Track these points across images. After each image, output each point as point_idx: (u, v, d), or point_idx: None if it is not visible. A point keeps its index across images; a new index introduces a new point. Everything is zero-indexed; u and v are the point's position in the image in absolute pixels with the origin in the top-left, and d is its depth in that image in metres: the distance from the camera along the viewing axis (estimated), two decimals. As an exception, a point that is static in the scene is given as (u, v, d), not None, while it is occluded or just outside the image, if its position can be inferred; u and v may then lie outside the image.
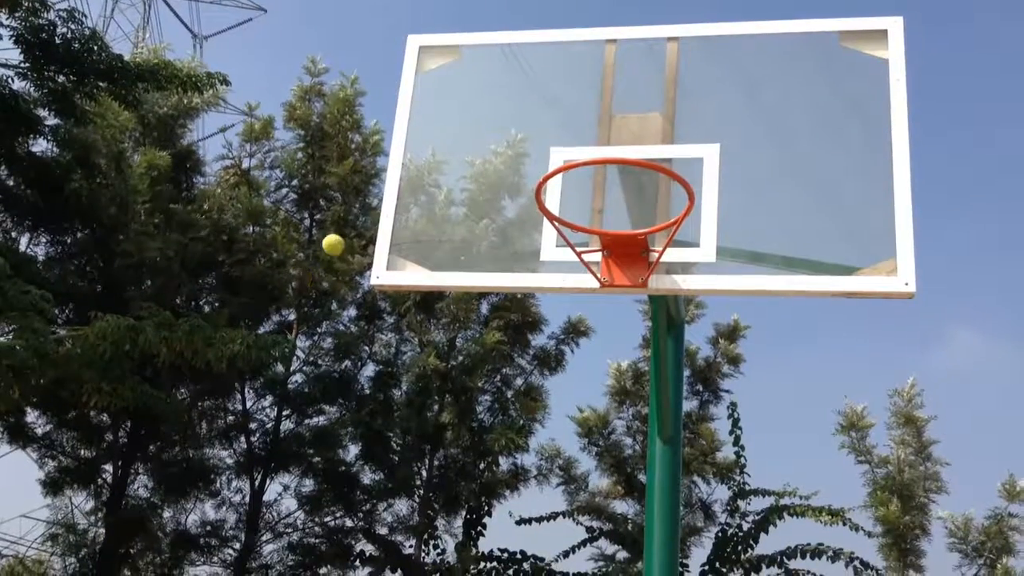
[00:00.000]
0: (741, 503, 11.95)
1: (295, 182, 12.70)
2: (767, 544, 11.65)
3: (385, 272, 4.31)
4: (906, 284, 3.80)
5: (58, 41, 9.92)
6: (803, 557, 11.29)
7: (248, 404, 12.23)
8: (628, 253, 4.00)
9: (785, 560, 11.39)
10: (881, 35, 4.28)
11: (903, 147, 4.03)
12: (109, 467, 11.69)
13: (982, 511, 12.01)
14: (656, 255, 3.93)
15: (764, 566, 11.47)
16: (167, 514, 11.96)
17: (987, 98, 52.02)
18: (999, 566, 11.60)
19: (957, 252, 50.22)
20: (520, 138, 4.47)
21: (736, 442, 12.23)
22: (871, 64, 4.25)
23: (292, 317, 12.27)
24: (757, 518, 11.75)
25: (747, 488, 12.02)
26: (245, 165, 12.62)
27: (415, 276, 4.31)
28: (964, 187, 50.79)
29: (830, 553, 11.25)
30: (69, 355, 8.01)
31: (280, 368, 11.91)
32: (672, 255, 3.97)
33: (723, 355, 12.49)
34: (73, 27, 9.98)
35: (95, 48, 10.05)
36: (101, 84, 10.27)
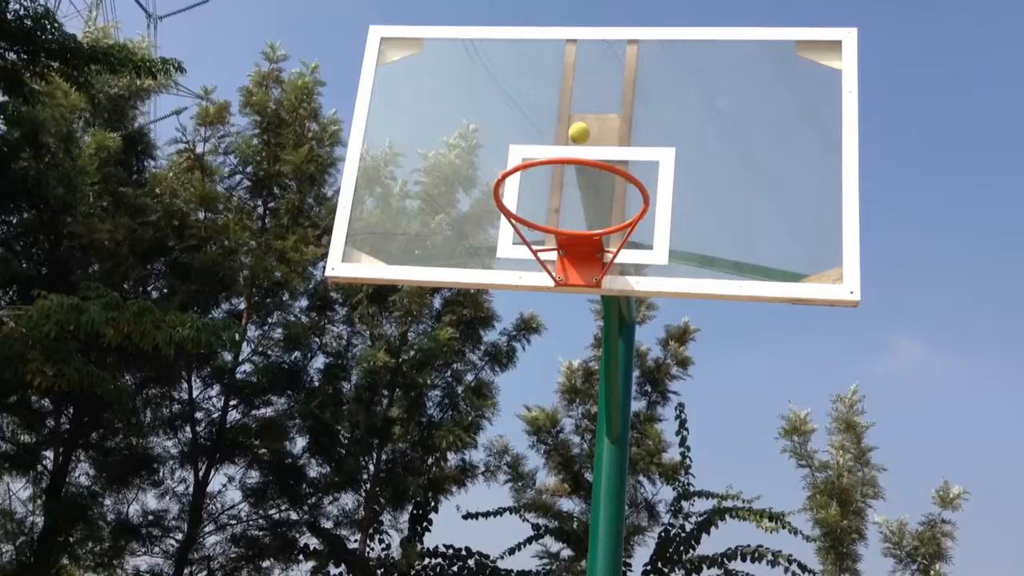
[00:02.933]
0: (685, 504, 12.10)
1: (249, 169, 12.54)
2: (708, 545, 11.82)
3: (340, 264, 4.30)
4: (851, 292, 3.89)
5: (10, 17, 9.70)
6: (743, 559, 11.48)
7: (195, 393, 12.08)
8: (583, 253, 4.04)
9: (726, 561, 11.57)
10: (835, 46, 4.36)
11: (853, 158, 4.11)
12: (50, 453, 11.45)
13: (916, 517, 12.31)
14: (610, 256, 3.97)
15: (705, 567, 11.63)
16: (108, 503, 11.77)
17: (939, 101, 53.09)
18: (932, 572, 11.88)
19: (902, 260, 51.25)
20: (473, 128, 4.47)
21: (682, 443, 12.39)
22: (826, 74, 4.33)
23: (243, 306, 12.14)
24: (700, 519, 11.91)
25: (691, 489, 12.17)
26: (199, 150, 12.41)
27: (370, 269, 4.30)
28: (911, 195, 51.84)
29: (770, 556, 11.44)
30: (11, 335, 7.83)
31: (228, 357, 11.77)
32: (626, 256, 4.02)
33: (673, 357, 12.62)
34: (26, 3, 9.76)
35: (48, 26, 9.83)
36: (53, 64, 10.06)
